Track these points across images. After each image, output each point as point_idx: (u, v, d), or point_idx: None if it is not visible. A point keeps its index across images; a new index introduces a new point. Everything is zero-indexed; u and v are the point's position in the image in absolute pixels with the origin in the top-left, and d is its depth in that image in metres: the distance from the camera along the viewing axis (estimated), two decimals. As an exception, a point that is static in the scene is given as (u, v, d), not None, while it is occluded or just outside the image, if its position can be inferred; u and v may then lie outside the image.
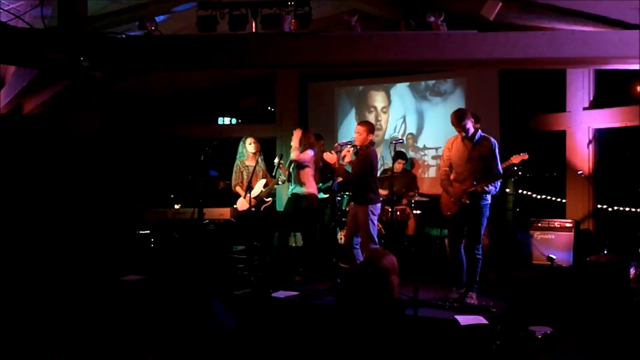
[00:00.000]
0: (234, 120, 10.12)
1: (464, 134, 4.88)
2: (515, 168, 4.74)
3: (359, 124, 5.53)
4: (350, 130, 8.47)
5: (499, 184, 4.86)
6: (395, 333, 3.18)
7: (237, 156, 6.47)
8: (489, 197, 4.90)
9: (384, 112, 8.64)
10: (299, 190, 5.95)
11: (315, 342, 4.20)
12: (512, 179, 4.79)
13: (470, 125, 4.87)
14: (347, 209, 6.51)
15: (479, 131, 4.95)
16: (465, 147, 4.91)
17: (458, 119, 4.85)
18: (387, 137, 8.51)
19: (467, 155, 4.88)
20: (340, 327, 3.30)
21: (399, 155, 7.08)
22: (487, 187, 4.76)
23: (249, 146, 6.38)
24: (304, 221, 5.99)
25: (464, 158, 4.90)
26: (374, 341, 3.13)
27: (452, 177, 5.06)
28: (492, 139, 4.91)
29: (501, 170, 4.89)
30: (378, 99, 8.70)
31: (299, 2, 5.43)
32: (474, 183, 4.79)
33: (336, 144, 5.65)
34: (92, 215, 6.92)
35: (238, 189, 6.37)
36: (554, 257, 6.56)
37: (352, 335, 3.19)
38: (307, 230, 6.07)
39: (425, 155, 8.29)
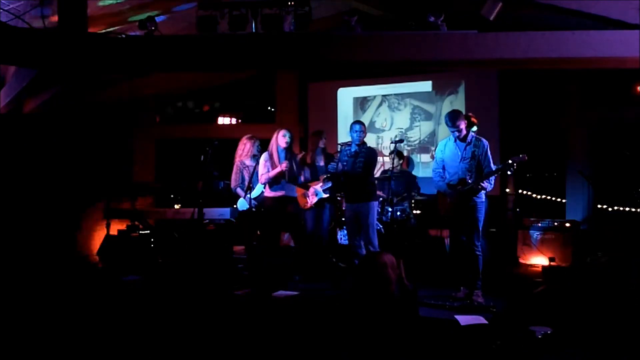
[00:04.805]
0: (234, 120, 10.10)
1: (457, 134, 5.00)
2: (510, 161, 4.79)
3: (361, 123, 5.76)
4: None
5: (493, 180, 4.98)
6: (395, 328, 3.23)
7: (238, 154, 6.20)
8: (484, 194, 5.03)
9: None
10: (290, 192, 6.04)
11: (315, 341, 4.20)
12: (509, 172, 4.88)
13: (463, 126, 5.01)
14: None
15: (471, 132, 5.11)
16: (458, 148, 5.06)
17: (452, 119, 4.98)
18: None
19: (461, 156, 5.02)
20: (345, 322, 3.37)
21: (397, 155, 7.03)
22: (482, 183, 4.89)
23: (255, 147, 6.11)
24: (296, 222, 6.08)
25: (458, 158, 5.03)
26: (374, 336, 3.17)
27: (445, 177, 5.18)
28: (484, 140, 5.05)
29: (493, 168, 4.99)
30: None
31: (299, 2, 5.44)
32: (469, 181, 4.91)
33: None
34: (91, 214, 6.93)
35: (239, 191, 6.15)
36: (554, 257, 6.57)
37: (353, 330, 3.24)
38: (298, 230, 6.15)
39: (425, 155, 8.30)
